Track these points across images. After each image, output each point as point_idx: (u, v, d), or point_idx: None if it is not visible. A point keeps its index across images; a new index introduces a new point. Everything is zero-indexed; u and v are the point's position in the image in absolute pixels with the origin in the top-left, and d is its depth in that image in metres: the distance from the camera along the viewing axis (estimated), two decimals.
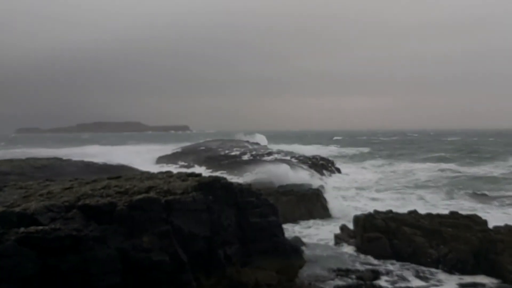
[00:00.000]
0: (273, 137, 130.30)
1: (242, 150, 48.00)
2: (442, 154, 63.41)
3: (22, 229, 9.32)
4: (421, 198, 27.77)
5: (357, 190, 31.05)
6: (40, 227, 9.49)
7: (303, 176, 28.93)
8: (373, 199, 27.79)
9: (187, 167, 39.50)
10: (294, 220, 21.51)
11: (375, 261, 15.59)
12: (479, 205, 24.74)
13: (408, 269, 14.84)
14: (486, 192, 28.78)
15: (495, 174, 39.25)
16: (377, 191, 30.62)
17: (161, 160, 48.34)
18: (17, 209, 10.11)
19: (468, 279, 14.11)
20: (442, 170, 41.96)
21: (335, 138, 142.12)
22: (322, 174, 35.59)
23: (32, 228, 9.40)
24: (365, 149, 79.20)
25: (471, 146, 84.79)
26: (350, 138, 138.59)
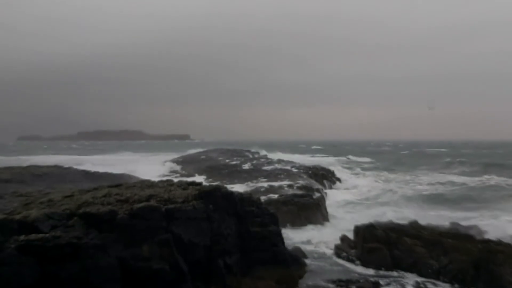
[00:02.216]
0: (273, 146, 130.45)
1: (243, 159, 48.03)
2: (441, 164, 63.40)
3: (22, 237, 9.34)
4: (421, 208, 27.69)
5: (357, 200, 30.99)
6: (41, 235, 9.51)
7: None
8: (374, 209, 27.68)
9: (188, 176, 39.46)
10: (294, 230, 21.46)
11: (376, 272, 15.54)
12: (480, 215, 24.65)
13: (408, 280, 14.79)
14: (488, 202, 28.71)
15: (495, 184, 39.21)
16: (378, 201, 30.54)
17: (161, 168, 48.30)
18: (17, 217, 10.12)
19: None
20: (442, 182, 41.97)
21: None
22: (322, 184, 35.56)
23: (33, 236, 9.41)
24: (365, 159, 79.19)
25: (468, 156, 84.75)
26: (350, 147, 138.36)
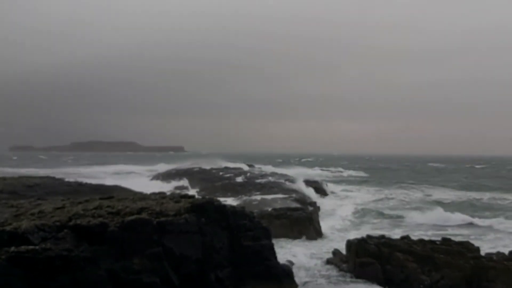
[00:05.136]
0: (266, 158, 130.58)
1: (237, 172, 48.00)
2: (434, 179, 63.81)
3: (12, 248, 9.25)
4: (413, 222, 27.80)
5: (350, 213, 30.98)
6: (31, 247, 9.43)
7: None
8: (366, 223, 27.76)
9: (181, 188, 39.35)
10: (287, 243, 21.38)
11: (367, 287, 15.49)
12: (472, 232, 24.75)
13: None
14: (479, 218, 28.82)
15: (486, 200, 39.64)
16: (371, 214, 30.57)
17: (154, 181, 48.23)
18: (8, 228, 10.05)
19: None
20: (433, 195, 42.46)
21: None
22: (316, 197, 35.53)
23: (23, 248, 9.33)
24: (359, 173, 79.58)
25: (462, 172, 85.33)
26: (342, 161, 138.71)
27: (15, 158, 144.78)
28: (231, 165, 58.89)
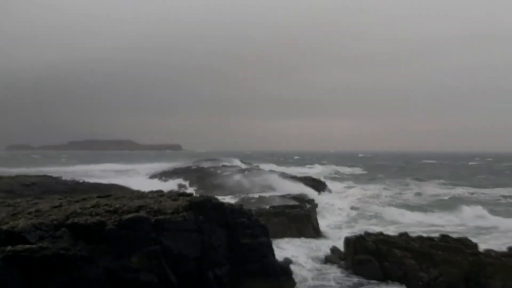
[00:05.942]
0: (263, 157, 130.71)
1: (234, 170, 47.97)
2: (428, 176, 63.98)
3: (9, 248, 9.20)
4: (409, 219, 27.88)
5: (348, 210, 31.00)
6: (28, 246, 9.38)
7: None
8: (363, 219, 27.79)
9: (179, 186, 39.30)
10: (285, 241, 21.36)
11: (365, 284, 15.49)
12: (469, 228, 24.80)
13: None
14: (475, 215, 28.87)
15: (480, 197, 39.84)
16: (368, 211, 30.60)
17: (152, 179, 48.15)
18: (4, 227, 9.99)
19: None
20: (427, 191, 42.68)
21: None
22: (313, 194, 35.48)
23: (20, 247, 9.28)
24: (356, 170, 79.77)
25: (457, 168, 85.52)
26: (339, 159, 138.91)
27: (6, 157, 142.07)
28: (228, 163, 58.90)
